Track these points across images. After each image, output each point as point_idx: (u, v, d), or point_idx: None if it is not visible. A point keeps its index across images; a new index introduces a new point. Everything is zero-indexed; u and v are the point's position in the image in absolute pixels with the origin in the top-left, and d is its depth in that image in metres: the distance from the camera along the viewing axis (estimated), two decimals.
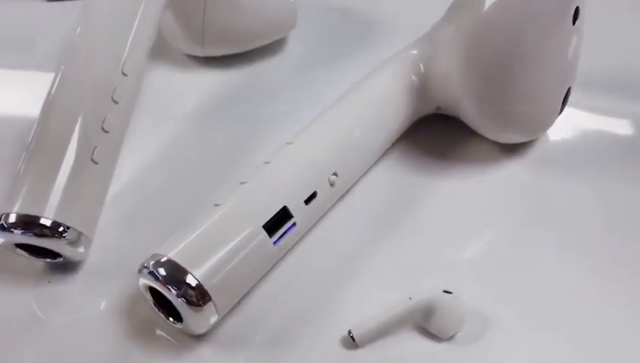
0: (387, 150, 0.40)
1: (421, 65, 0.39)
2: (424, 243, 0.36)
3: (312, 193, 0.33)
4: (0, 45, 0.51)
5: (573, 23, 0.36)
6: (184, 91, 0.46)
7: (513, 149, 0.40)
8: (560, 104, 0.38)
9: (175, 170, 0.40)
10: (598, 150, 0.41)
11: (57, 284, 0.34)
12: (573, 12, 0.35)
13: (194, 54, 0.47)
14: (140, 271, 0.30)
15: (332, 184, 0.34)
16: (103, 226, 0.36)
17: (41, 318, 0.33)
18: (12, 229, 0.32)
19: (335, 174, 0.34)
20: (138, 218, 0.38)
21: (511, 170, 0.40)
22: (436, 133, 0.41)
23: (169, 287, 0.29)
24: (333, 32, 0.51)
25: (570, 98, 0.39)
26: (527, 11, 0.34)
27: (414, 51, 0.40)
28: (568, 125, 0.42)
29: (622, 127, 0.43)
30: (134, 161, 0.40)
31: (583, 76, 0.39)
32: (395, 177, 0.39)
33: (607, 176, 0.39)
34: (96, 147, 0.34)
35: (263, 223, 0.31)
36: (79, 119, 0.34)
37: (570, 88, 0.38)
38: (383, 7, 0.53)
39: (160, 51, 0.47)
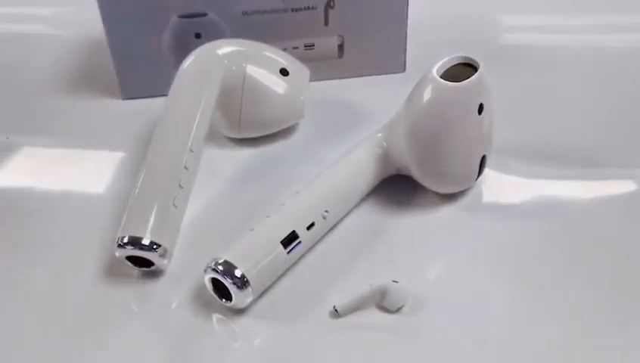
0: (361, 201, 0.59)
1: (384, 142, 0.59)
2: (386, 263, 0.54)
3: (311, 222, 0.53)
4: (78, 139, 0.69)
5: (479, 114, 0.55)
6: (225, 163, 0.66)
7: (451, 196, 0.60)
8: (478, 166, 0.58)
9: (222, 209, 0.60)
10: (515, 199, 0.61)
11: (149, 285, 0.53)
12: (477, 108, 0.55)
13: (232, 136, 0.68)
14: (205, 269, 0.49)
15: (324, 218, 0.54)
16: (177, 246, 0.55)
17: (136, 311, 0.52)
18: (125, 246, 0.51)
19: (326, 211, 0.54)
20: (199, 241, 0.57)
21: (448, 212, 0.59)
22: (396, 187, 0.61)
23: (225, 277, 0.48)
24: (331, 120, 0.71)
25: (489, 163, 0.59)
26: (445, 111, 0.54)
27: (380, 134, 0.60)
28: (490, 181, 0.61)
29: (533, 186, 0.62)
30: (195, 205, 0.59)
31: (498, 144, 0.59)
32: (367, 219, 0.58)
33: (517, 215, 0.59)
34: (175, 196, 0.54)
35: (280, 239, 0.51)
36: (167, 178, 0.54)
37: (485, 156, 0.58)
38: (364, 99, 0.73)
39: (209, 134, 0.67)
